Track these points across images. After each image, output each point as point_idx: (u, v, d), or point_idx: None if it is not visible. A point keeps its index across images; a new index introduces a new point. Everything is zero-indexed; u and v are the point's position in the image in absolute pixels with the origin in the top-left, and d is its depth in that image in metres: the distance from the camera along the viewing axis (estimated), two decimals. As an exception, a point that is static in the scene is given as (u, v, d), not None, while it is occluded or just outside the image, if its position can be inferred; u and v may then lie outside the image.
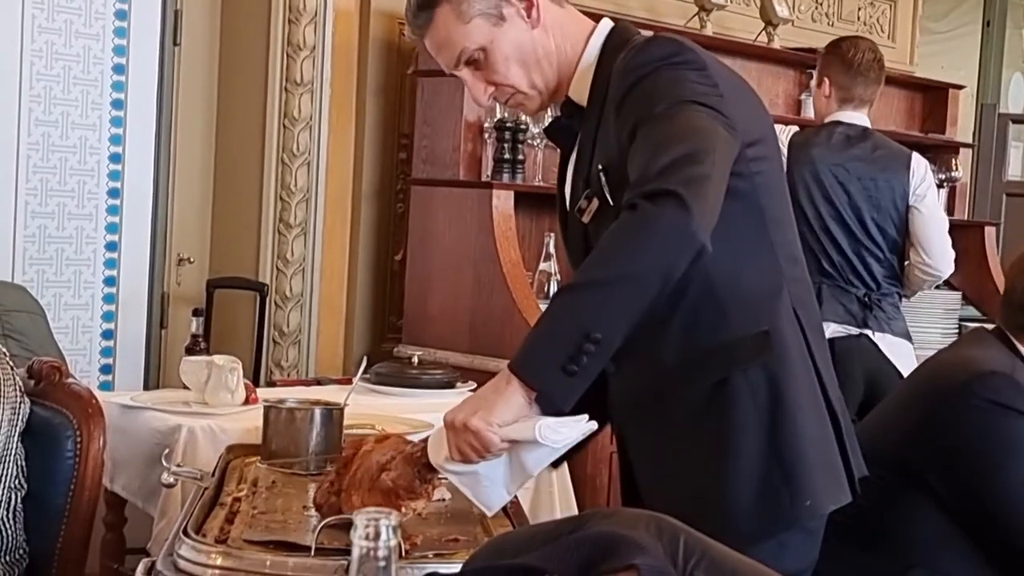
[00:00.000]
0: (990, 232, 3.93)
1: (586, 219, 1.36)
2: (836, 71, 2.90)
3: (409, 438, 1.35)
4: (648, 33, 1.41)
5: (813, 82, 3.08)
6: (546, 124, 2.96)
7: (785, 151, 2.78)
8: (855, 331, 2.79)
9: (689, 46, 1.32)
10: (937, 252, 2.88)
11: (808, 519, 1.31)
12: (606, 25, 1.41)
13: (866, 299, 2.82)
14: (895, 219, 2.86)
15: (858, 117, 2.92)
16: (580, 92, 1.40)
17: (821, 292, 2.75)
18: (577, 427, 1.22)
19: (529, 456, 1.21)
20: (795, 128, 2.93)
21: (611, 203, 1.31)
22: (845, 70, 2.88)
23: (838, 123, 2.89)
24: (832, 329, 2.71)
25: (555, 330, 1.19)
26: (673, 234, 1.16)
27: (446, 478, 1.27)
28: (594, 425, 1.24)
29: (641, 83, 1.28)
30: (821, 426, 1.34)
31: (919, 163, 2.92)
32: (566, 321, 1.18)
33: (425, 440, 1.27)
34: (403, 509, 1.26)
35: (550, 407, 1.19)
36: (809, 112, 3.87)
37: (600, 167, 1.33)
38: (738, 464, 1.30)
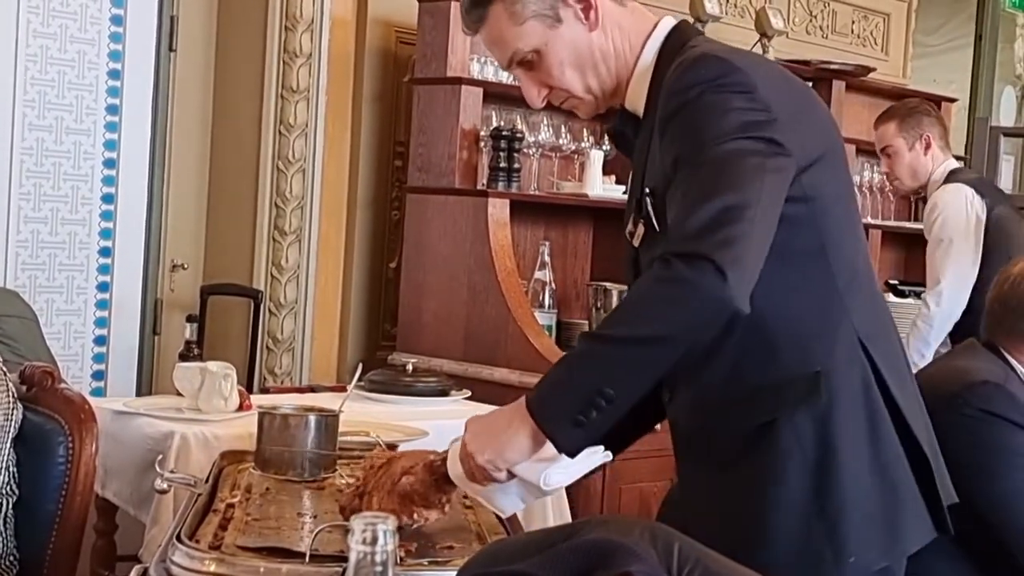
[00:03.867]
0: (983, 244, 3.94)
1: (635, 243, 1.33)
2: (929, 126, 3.01)
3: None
4: (706, 38, 1.35)
5: (909, 150, 3.05)
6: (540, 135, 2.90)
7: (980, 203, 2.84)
8: None
9: (739, 66, 1.24)
10: None
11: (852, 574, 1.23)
12: (665, 26, 1.34)
13: None
14: None
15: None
16: (636, 101, 1.34)
17: None
18: (589, 460, 1.23)
19: (539, 484, 1.24)
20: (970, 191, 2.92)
21: (657, 229, 1.27)
22: (937, 120, 3.03)
23: (963, 169, 3.05)
24: None
25: (572, 381, 1.20)
26: (706, 303, 1.15)
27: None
28: (608, 457, 1.24)
29: (684, 110, 1.22)
30: (883, 470, 1.26)
31: None
32: (582, 374, 1.19)
33: (447, 452, 1.28)
34: (415, 516, 1.27)
35: (559, 450, 1.20)
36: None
37: (648, 190, 1.29)
38: (778, 517, 1.24)
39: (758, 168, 1.19)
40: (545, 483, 1.21)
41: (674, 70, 1.27)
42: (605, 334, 1.20)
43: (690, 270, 1.13)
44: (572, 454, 1.20)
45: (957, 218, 2.83)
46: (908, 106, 3.14)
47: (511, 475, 1.23)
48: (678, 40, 1.32)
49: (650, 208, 1.28)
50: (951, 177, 2.95)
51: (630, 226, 1.34)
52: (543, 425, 1.18)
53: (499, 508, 1.29)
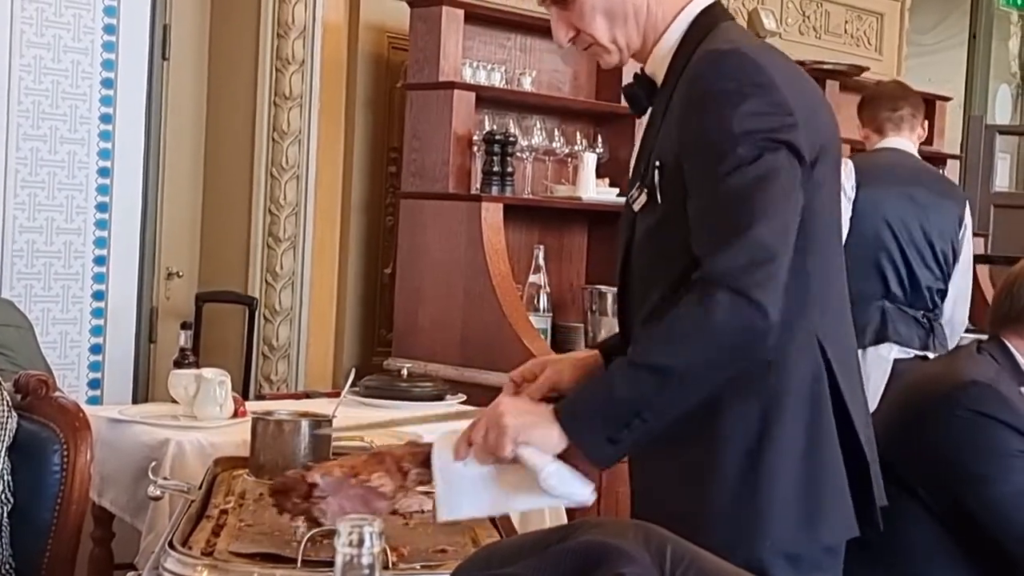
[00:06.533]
0: (978, 243, 3.95)
1: (636, 208, 1.37)
2: (862, 112, 3.02)
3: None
4: (734, 23, 1.38)
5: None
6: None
7: (852, 180, 2.81)
8: (918, 352, 2.82)
9: (762, 64, 1.29)
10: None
11: (770, 556, 1.29)
12: (698, 5, 1.38)
13: (926, 321, 2.87)
14: (954, 246, 2.95)
15: (900, 142, 2.99)
16: (656, 69, 1.39)
17: (885, 313, 2.81)
18: (581, 492, 1.25)
19: (520, 491, 1.25)
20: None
21: (659, 200, 1.32)
22: (868, 106, 3.01)
23: (886, 148, 2.96)
24: (896, 351, 2.77)
25: (612, 405, 1.24)
26: (755, 343, 1.22)
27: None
28: (593, 498, 1.27)
29: (710, 101, 1.27)
30: (816, 465, 1.31)
31: (968, 208, 3.03)
32: (624, 399, 1.24)
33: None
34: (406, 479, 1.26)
35: (587, 459, 1.26)
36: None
37: (657, 163, 1.33)
38: (716, 489, 1.30)
39: (787, 191, 1.25)
40: (545, 473, 1.22)
41: (705, 56, 1.31)
42: (648, 363, 1.23)
43: (736, 310, 1.20)
44: (602, 466, 1.26)
45: None
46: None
47: (512, 462, 1.24)
48: (708, 21, 1.36)
49: (656, 180, 1.32)
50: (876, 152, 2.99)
51: (633, 191, 1.38)
52: (576, 440, 1.23)
53: (444, 504, 1.25)
